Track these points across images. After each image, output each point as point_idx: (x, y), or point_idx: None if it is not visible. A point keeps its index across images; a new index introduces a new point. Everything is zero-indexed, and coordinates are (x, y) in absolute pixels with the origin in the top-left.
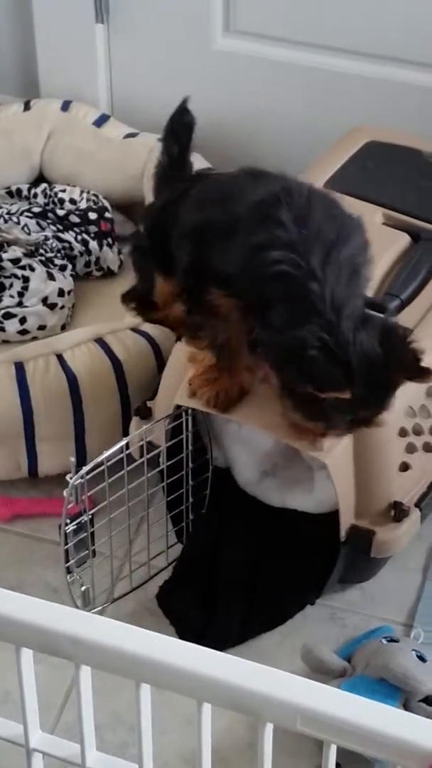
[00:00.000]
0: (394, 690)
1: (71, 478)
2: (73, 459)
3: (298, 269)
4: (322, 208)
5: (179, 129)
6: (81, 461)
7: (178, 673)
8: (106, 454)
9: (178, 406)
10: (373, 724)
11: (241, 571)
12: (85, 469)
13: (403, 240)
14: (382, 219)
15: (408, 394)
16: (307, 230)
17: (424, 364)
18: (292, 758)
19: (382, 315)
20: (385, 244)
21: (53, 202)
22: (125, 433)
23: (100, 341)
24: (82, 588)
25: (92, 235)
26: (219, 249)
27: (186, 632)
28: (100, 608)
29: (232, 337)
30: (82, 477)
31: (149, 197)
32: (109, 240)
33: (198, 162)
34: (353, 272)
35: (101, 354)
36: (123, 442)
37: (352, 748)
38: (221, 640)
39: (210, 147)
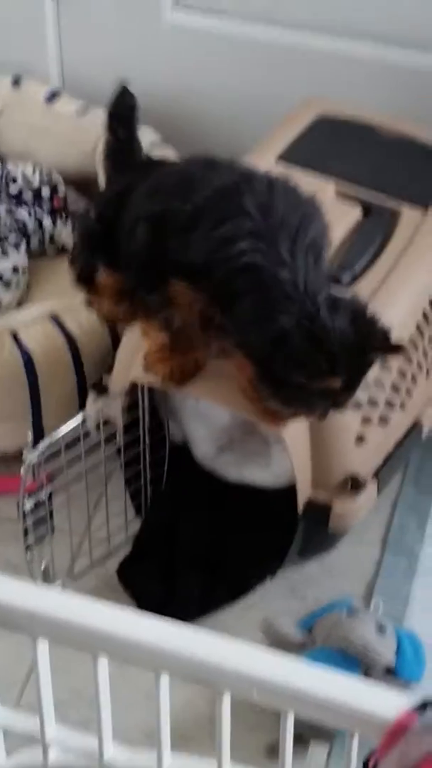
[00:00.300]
0: (354, 662)
1: (28, 455)
2: (30, 436)
3: (267, 259)
4: (283, 194)
5: (122, 112)
6: (38, 438)
7: (135, 645)
8: (63, 431)
9: (134, 382)
10: (329, 694)
11: (201, 545)
12: (41, 446)
13: (355, 213)
14: (335, 192)
15: None
16: (271, 218)
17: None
18: (253, 732)
19: (345, 296)
20: (337, 217)
21: (5, 179)
22: (81, 408)
23: (55, 318)
24: (42, 565)
25: (46, 211)
26: (180, 240)
27: (146, 607)
28: (60, 584)
29: (189, 322)
30: (38, 454)
31: (102, 173)
32: (63, 216)
33: (148, 135)
34: (318, 256)
35: (56, 331)
36: (79, 419)
37: (310, 717)
38: (181, 615)
39: (162, 120)
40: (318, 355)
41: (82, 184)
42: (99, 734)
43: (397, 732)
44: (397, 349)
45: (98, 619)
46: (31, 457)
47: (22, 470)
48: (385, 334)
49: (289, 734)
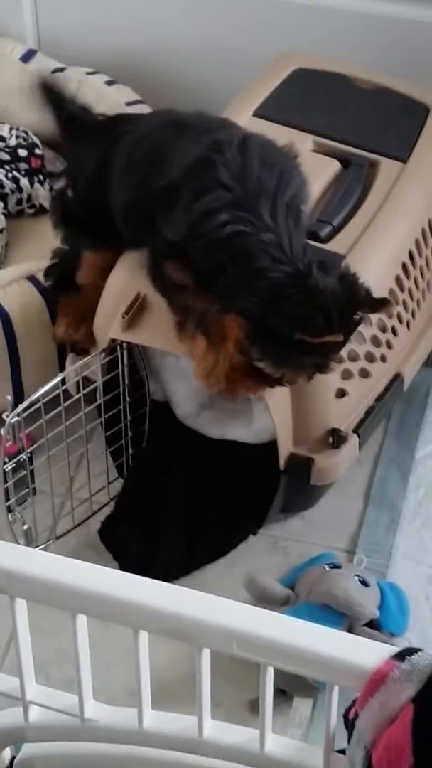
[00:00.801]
0: (337, 616)
1: (8, 417)
2: (9, 397)
3: (251, 226)
4: (257, 156)
5: (54, 98)
6: (18, 400)
7: (112, 601)
8: (42, 390)
9: (113, 340)
10: (308, 645)
11: (183, 503)
12: (21, 406)
13: (334, 166)
14: (312, 146)
15: None
16: (248, 185)
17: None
18: (235, 686)
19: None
20: (315, 171)
21: None
22: (62, 370)
23: (32, 279)
24: (24, 527)
25: (23, 172)
26: (162, 220)
27: (129, 566)
28: (43, 546)
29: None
30: (18, 415)
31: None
32: (41, 177)
33: (126, 94)
34: (298, 216)
35: (33, 291)
36: (58, 378)
37: (289, 669)
38: (164, 573)
39: (137, 79)
40: (316, 311)
41: (58, 144)
42: (79, 692)
43: (376, 681)
44: (382, 305)
45: (75, 577)
46: (11, 417)
47: (2, 431)
48: (368, 292)
49: (269, 689)
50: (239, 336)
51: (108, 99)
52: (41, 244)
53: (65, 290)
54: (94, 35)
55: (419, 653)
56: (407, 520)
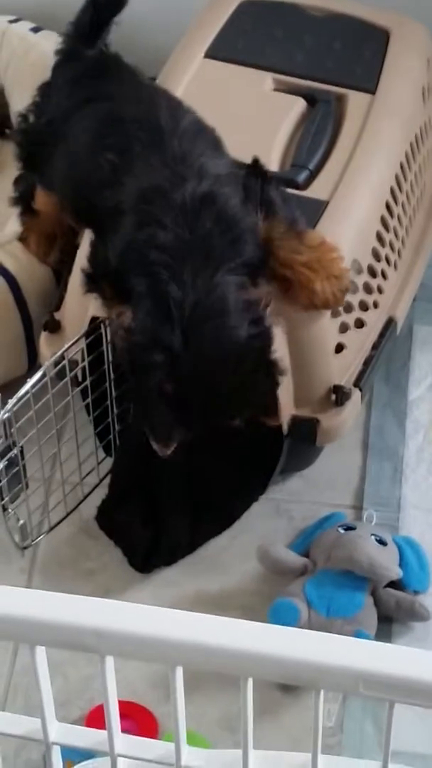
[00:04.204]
0: (360, 580)
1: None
2: None
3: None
4: (212, 208)
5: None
6: None
7: (217, 651)
8: (30, 382)
9: (94, 318)
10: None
11: (180, 477)
12: (11, 402)
13: (299, 105)
14: (273, 85)
15: None
16: (188, 235)
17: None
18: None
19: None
20: (280, 112)
21: None
22: (30, 352)
23: None
24: (19, 523)
25: None
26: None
27: (133, 551)
28: (38, 539)
29: None
30: (8, 411)
31: (9, 85)
32: None
33: (54, 41)
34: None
35: None
36: (44, 368)
37: (421, 705)
38: (171, 552)
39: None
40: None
41: None
42: (176, 742)
43: None
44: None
45: (173, 628)
46: (2, 414)
47: None
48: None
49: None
50: None
51: (37, 47)
52: None
53: (28, 210)
54: None
55: None
56: (411, 467)
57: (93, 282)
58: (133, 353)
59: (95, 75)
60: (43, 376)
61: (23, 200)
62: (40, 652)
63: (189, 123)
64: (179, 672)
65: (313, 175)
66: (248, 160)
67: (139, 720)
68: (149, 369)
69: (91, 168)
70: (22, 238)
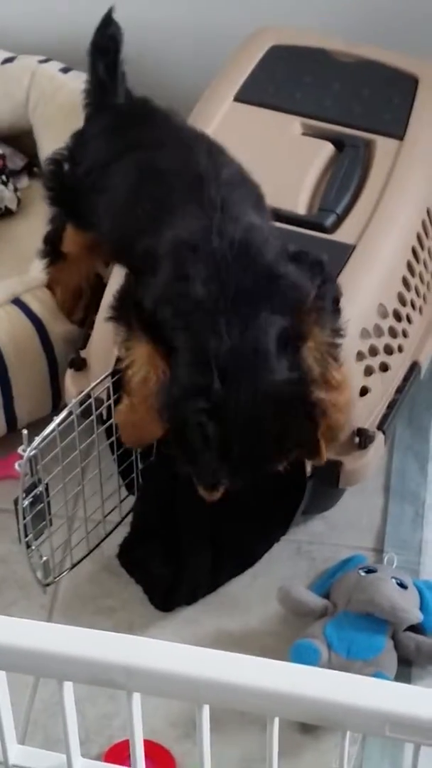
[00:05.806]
0: (381, 623)
1: (24, 451)
2: (25, 431)
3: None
4: (244, 259)
5: (105, 44)
6: (11, 428)
7: (244, 690)
8: (57, 420)
9: (120, 357)
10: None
11: (202, 517)
12: (38, 439)
13: (327, 149)
14: (301, 129)
15: (361, 316)
16: (219, 288)
17: None
18: None
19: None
20: (308, 156)
21: None
22: (54, 392)
23: (18, 302)
24: (42, 559)
25: None
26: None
27: (153, 589)
28: (60, 576)
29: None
30: (35, 448)
31: (38, 125)
32: (3, 177)
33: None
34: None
35: (21, 316)
36: (70, 406)
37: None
38: (192, 592)
39: None
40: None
41: (16, 138)
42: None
43: None
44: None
45: (200, 666)
46: (29, 451)
47: (18, 466)
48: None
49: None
50: None
51: (65, 87)
52: (9, 248)
53: (54, 261)
54: (43, 20)
55: None
56: None
57: (120, 309)
58: (174, 404)
59: (129, 123)
60: (69, 414)
61: (51, 243)
62: (68, 687)
63: (231, 173)
64: (206, 711)
65: (340, 219)
66: (276, 204)
67: (158, 759)
68: (191, 417)
69: (130, 218)
70: (49, 287)
